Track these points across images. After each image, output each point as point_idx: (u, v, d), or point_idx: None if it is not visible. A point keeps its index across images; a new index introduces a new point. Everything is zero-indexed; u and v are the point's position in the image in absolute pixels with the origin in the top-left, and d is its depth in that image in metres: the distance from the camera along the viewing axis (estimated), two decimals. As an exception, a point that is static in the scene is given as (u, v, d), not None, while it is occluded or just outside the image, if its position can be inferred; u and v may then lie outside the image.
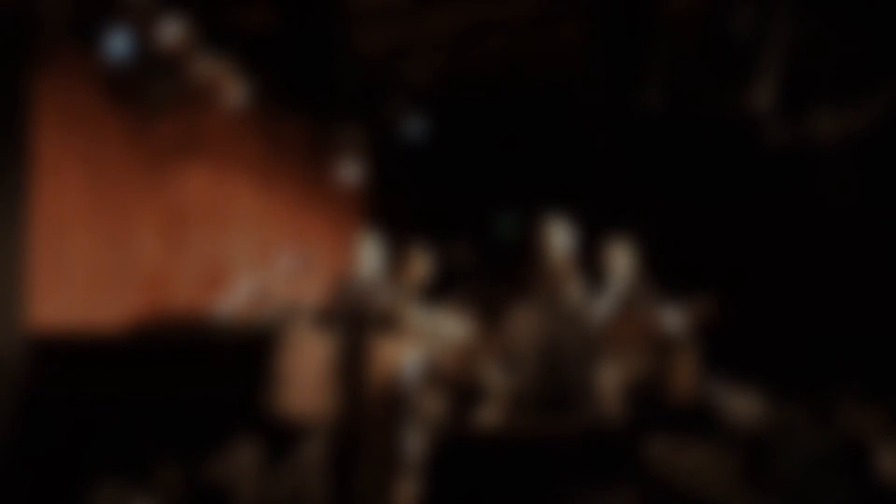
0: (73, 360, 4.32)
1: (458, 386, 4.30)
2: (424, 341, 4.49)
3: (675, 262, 4.85)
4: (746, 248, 5.83)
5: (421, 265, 4.80)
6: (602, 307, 4.53)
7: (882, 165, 5.57)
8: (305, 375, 4.24)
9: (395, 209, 6.94)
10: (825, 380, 4.71)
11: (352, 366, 4.38)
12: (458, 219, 6.86)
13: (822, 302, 5.53)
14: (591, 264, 4.52)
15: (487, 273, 5.35)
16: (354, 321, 4.51)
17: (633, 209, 5.56)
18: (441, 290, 4.96)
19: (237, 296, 5.10)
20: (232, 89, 5.44)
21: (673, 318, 4.60)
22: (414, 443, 4.28)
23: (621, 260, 4.72)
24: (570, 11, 5.95)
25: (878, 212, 5.56)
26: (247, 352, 4.25)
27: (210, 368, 4.26)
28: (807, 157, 5.56)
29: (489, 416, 4.01)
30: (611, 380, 4.11)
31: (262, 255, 5.87)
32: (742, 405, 4.36)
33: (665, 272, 4.72)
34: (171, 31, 4.94)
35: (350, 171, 6.60)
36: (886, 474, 3.81)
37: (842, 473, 3.77)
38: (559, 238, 4.10)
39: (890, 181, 5.58)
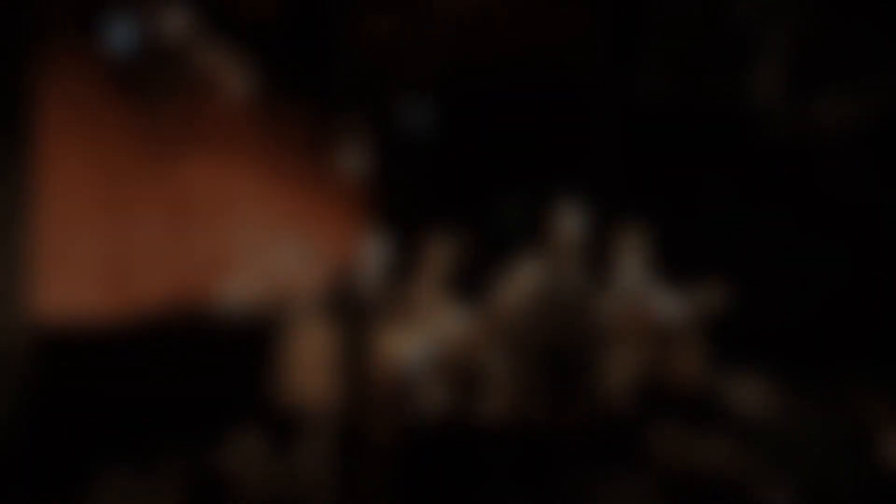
0: (77, 348, 4.32)
1: (461, 375, 4.29)
2: (428, 330, 4.48)
3: (681, 250, 4.84)
4: (752, 236, 5.82)
5: (444, 253, 4.79)
6: (608, 295, 4.52)
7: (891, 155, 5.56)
8: (310, 365, 4.23)
9: (401, 197, 6.92)
10: (834, 367, 4.70)
11: (356, 356, 4.37)
12: (463, 206, 6.85)
13: (828, 291, 5.52)
14: (597, 251, 4.50)
15: (492, 260, 5.33)
16: (358, 311, 4.50)
17: (640, 198, 5.55)
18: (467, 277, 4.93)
19: (242, 285, 5.09)
20: (235, 78, 5.43)
21: (679, 306, 4.58)
22: (417, 430, 4.28)
23: (628, 248, 4.71)
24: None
25: (886, 202, 5.55)
26: (252, 341, 4.25)
27: (215, 357, 4.26)
28: (813, 146, 5.54)
29: (492, 405, 4.00)
30: (616, 368, 4.10)
31: (266, 244, 5.86)
32: (750, 393, 4.35)
33: (671, 260, 4.70)
34: (174, 21, 4.93)
35: (355, 159, 6.59)
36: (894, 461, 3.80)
37: (852, 461, 3.76)
38: (566, 224, 4.09)
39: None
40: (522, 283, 4.38)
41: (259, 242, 5.93)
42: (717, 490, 3.72)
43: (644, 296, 4.59)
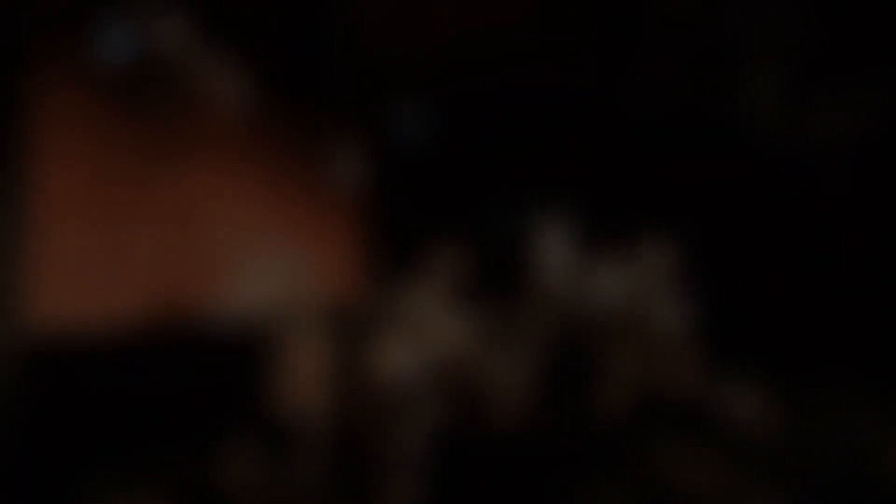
0: (70, 356, 4.31)
1: (459, 385, 4.29)
2: (426, 340, 4.48)
3: (676, 256, 4.83)
4: (750, 247, 5.82)
5: (443, 262, 4.78)
6: (605, 302, 4.51)
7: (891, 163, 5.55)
8: (306, 375, 4.22)
9: (399, 205, 6.91)
10: (832, 376, 4.69)
11: (352, 366, 4.36)
12: (462, 213, 6.83)
13: (827, 299, 5.51)
14: (593, 258, 4.49)
15: (491, 268, 5.33)
16: (355, 320, 4.49)
17: (636, 203, 5.54)
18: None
19: (237, 294, 5.08)
20: (230, 86, 5.42)
21: (674, 313, 4.58)
22: (415, 443, 4.27)
23: (624, 255, 4.71)
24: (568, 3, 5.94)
25: (883, 209, 5.54)
26: (247, 350, 4.24)
27: (210, 367, 4.25)
28: (810, 152, 5.54)
29: (490, 416, 3.99)
30: (614, 378, 4.09)
31: (262, 253, 5.85)
32: (746, 402, 4.34)
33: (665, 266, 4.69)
34: (169, 30, 4.93)
35: (352, 167, 6.58)
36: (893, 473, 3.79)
37: (851, 473, 3.75)
38: (551, 243, 4.08)
39: None
40: (520, 290, 4.37)
41: (255, 251, 5.91)
42: (710, 501, 3.71)
43: (641, 303, 4.59)
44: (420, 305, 4.71)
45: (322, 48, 5.68)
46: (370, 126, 6.70)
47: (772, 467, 3.84)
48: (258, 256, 5.88)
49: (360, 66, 6.26)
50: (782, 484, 3.77)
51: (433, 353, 4.44)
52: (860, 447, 3.91)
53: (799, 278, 5.64)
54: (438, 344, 4.50)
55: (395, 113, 7.00)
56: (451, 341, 4.52)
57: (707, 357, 4.54)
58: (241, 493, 4.00)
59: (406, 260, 4.85)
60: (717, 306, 4.69)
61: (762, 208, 5.80)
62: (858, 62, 5.47)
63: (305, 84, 5.79)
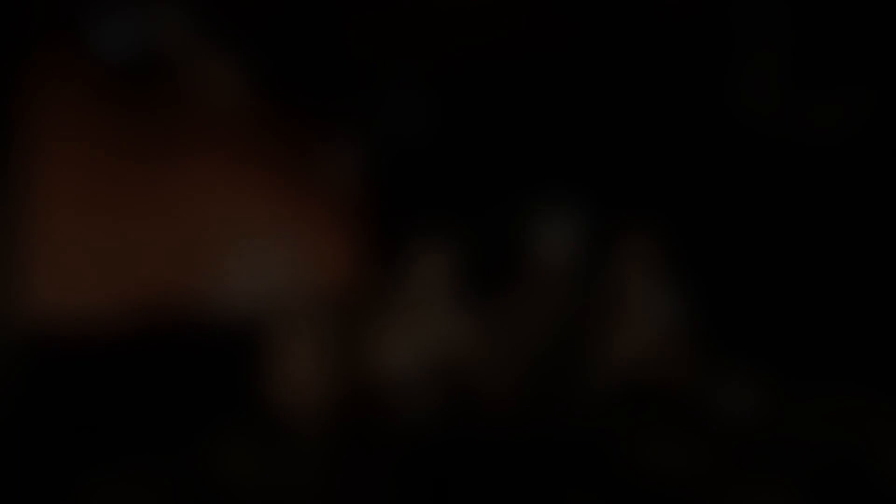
0: (65, 349, 4.32)
1: (456, 378, 4.30)
2: (424, 333, 4.49)
3: (670, 248, 4.84)
4: (745, 237, 5.83)
5: (437, 259, 4.78)
6: (600, 298, 4.52)
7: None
8: (303, 369, 4.24)
9: (396, 198, 6.93)
10: (830, 371, 4.70)
11: (349, 359, 4.37)
12: (460, 207, 6.84)
13: (825, 293, 5.53)
14: (590, 254, 4.50)
15: (484, 265, 5.34)
16: (351, 313, 4.50)
17: (632, 195, 5.55)
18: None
19: (234, 287, 5.10)
20: (229, 79, 5.44)
21: (666, 304, 4.58)
22: (411, 436, 4.28)
23: (618, 249, 4.71)
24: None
25: (882, 202, 5.55)
26: (244, 344, 4.24)
27: (206, 360, 4.26)
28: (807, 144, 5.55)
29: (483, 410, 4.01)
30: (600, 369, 4.10)
31: (260, 246, 5.87)
32: (740, 395, 4.35)
33: (660, 258, 4.70)
34: (168, 22, 4.94)
35: (350, 159, 6.60)
36: (890, 473, 3.80)
37: (843, 470, 3.76)
38: (550, 235, 4.08)
39: None
40: (516, 281, 4.38)
41: (252, 244, 5.92)
42: (704, 497, 3.72)
43: (635, 297, 4.59)
44: (417, 298, 4.72)
45: (317, 39, 5.69)
46: (367, 116, 6.71)
47: (765, 461, 3.86)
48: (255, 248, 5.89)
49: (354, 57, 6.27)
50: (775, 477, 3.78)
51: (431, 346, 4.46)
52: (857, 442, 3.92)
53: (795, 269, 5.65)
54: (436, 336, 4.51)
55: (392, 103, 7.00)
56: (449, 334, 4.54)
57: (701, 348, 4.55)
58: (238, 488, 4.03)
59: (403, 252, 4.87)
60: (711, 297, 4.71)
61: (757, 198, 5.81)
62: (859, 51, 5.47)
63: (301, 76, 5.80)
